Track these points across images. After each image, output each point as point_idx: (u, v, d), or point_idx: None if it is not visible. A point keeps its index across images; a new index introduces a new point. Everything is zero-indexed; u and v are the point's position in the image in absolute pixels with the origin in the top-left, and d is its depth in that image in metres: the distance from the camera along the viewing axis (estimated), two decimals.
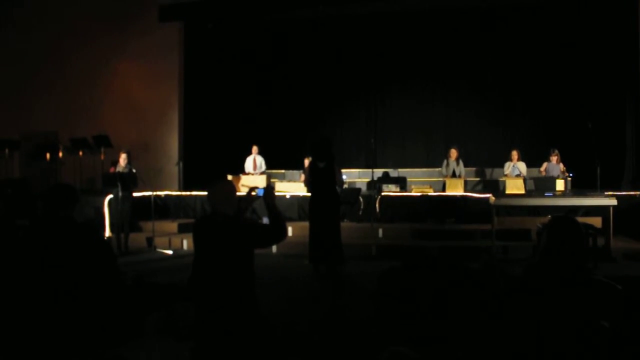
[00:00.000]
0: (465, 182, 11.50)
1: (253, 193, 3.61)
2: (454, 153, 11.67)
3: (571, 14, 12.30)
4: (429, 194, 10.81)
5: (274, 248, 8.92)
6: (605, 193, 8.33)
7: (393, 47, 13.81)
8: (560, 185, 9.72)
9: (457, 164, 11.65)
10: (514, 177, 11.10)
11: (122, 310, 3.16)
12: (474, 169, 12.80)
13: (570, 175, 10.41)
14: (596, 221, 8.14)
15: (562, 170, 10.53)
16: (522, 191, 10.47)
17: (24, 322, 2.99)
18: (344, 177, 8.17)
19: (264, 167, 12.77)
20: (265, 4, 12.89)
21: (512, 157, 11.33)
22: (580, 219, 7.73)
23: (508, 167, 11.35)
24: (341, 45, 13.96)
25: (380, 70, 13.98)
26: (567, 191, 9.72)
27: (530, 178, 10.60)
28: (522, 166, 11.24)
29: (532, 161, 11.46)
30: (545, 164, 10.79)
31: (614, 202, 7.64)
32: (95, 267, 3.14)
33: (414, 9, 13.23)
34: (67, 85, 13.44)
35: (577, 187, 10.35)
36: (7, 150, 12.51)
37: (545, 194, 8.18)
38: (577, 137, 11.22)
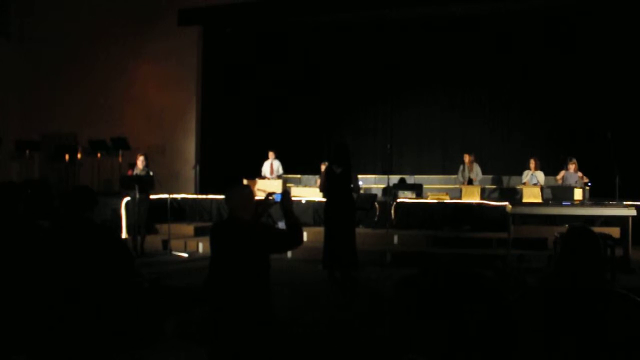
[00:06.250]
0: (482, 190, 11.43)
1: (270, 198, 3.62)
2: (467, 158, 11.61)
3: (589, 22, 12.19)
4: (445, 201, 10.75)
5: (289, 253, 8.91)
6: (624, 203, 8.22)
7: (410, 54, 13.80)
8: (578, 194, 9.62)
9: (472, 168, 11.59)
10: (532, 185, 11.00)
11: (140, 312, 3.18)
12: (490, 176, 12.72)
13: (589, 184, 10.29)
14: (614, 231, 8.04)
15: (580, 177, 10.41)
16: (539, 200, 10.37)
17: (44, 322, 3.02)
18: (360, 182, 8.14)
19: (281, 172, 12.79)
20: (283, 9, 12.92)
21: (531, 166, 11.23)
22: (599, 229, 7.65)
23: (526, 175, 11.24)
24: (359, 51, 13.96)
25: (398, 77, 13.98)
26: (585, 200, 9.61)
27: (548, 187, 10.51)
28: (540, 175, 11.13)
29: (550, 170, 11.36)
30: (562, 172, 10.67)
31: (633, 212, 7.54)
32: (114, 268, 3.17)
33: (432, 17, 13.21)
34: (86, 87, 13.59)
35: (596, 196, 10.23)
36: (27, 152, 12.68)
37: (563, 203, 8.10)
38: (597, 146, 11.09)
